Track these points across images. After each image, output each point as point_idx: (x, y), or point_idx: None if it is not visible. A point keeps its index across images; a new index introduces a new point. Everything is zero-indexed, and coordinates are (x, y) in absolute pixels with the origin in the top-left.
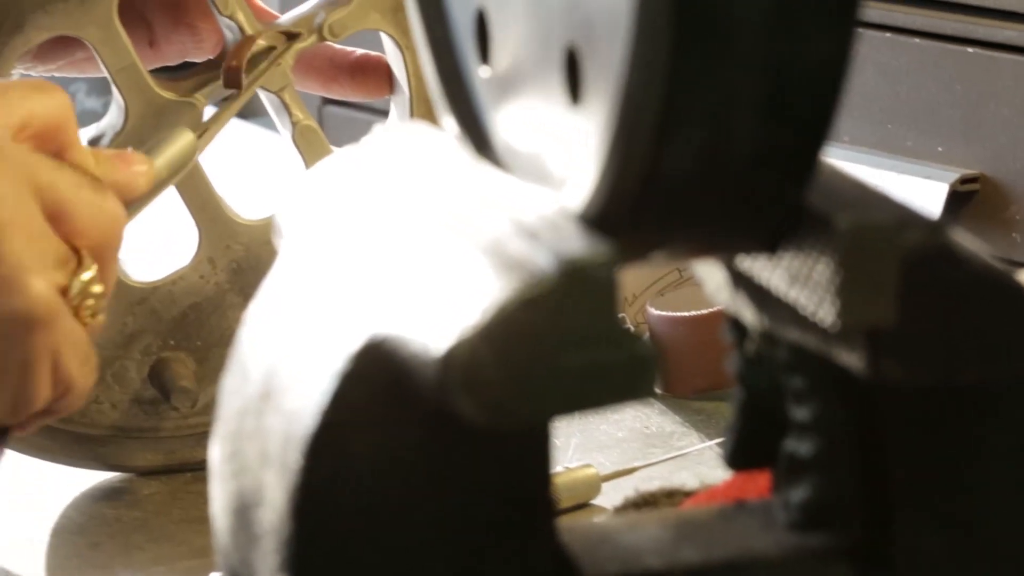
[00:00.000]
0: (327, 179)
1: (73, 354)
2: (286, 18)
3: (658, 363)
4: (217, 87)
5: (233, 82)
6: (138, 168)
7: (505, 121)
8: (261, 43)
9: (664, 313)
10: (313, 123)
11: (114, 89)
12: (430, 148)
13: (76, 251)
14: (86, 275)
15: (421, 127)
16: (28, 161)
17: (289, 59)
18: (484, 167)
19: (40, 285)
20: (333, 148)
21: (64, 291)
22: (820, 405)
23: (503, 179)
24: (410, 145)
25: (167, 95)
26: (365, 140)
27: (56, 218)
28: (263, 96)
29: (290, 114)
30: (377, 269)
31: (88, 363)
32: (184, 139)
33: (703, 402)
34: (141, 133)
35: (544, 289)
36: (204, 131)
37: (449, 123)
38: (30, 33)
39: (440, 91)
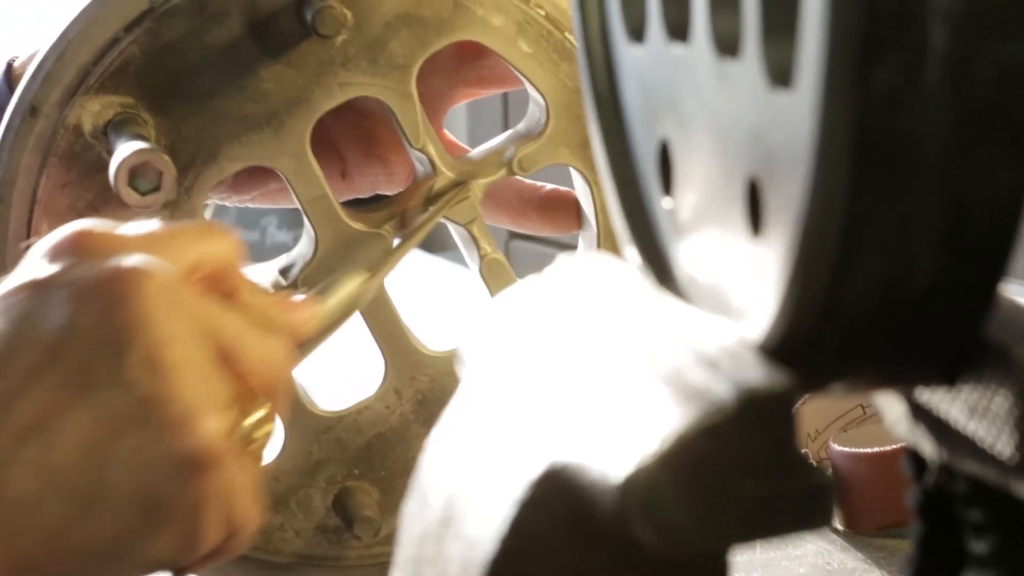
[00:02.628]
0: (510, 308)
1: (242, 495)
2: (476, 152)
3: (835, 494)
4: (407, 219)
5: (403, 224)
6: (307, 311)
7: (687, 252)
8: (438, 183)
9: (847, 449)
10: (500, 256)
11: (305, 219)
12: (612, 278)
13: (245, 392)
14: (255, 416)
15: (603, 257)
16: (198, 304)
17: (478, 192)
18: (666, 297)
19: (210, 427)
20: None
21: (233, 432)
22: (998, 538)
23: (684, 310)
24: (593, 275)
25: (357, 226)
26: (548, 270)
27: (225, 360)
28: (452, 229)
29: (478, 247)
30: (558, 397)
31: (257, 504)
32: (354, 282)
33: (885, 539)
34: (331, 263)
35: (723, 418)
36: (374, 273)
37: (631, 254)
38: (224, 163)
39: (623, 222)
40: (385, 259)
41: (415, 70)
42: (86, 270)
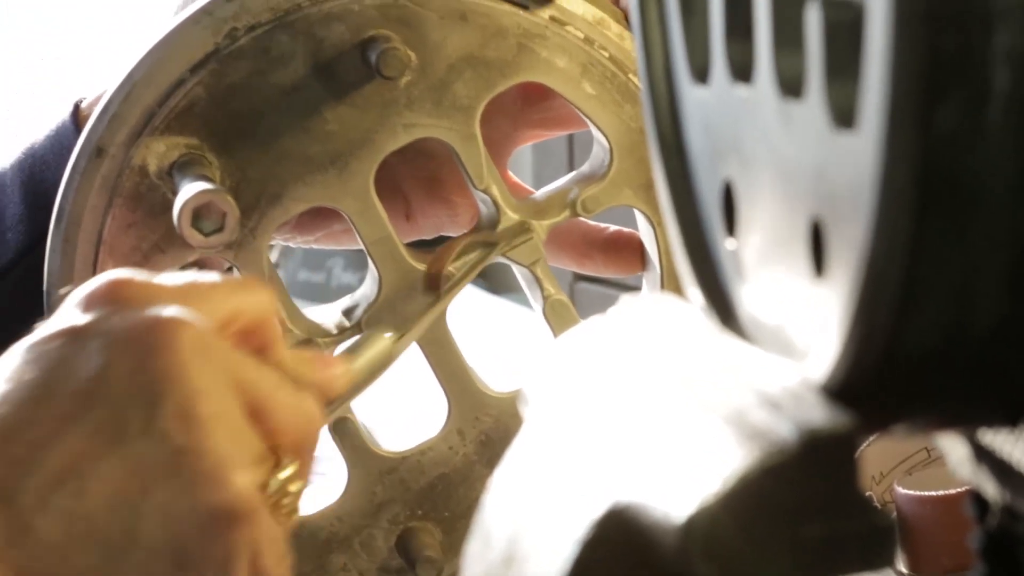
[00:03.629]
0: (574, 348)
1: (271, 551)
2: (540, 193)
3: (897, 534)
4: (472, 259)
5: (432, 286)
6: (336, 370)
7: (750, 293)
8: (472, 240)
9: (912, 492)
10: (564, 298)
11: (369, 260)
12: (676, 319)
13: (274, 449)
14: (284, 473)
15: (667, 299)
16: (231, 358)
17: (542, 234)
18: (728, 338)
19: (242, 481)
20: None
21: (263, 488)
22: None
23: (747, 350)
24: (656, 316)
25: (421, 267)
26: (612, 310)
27: (256, 415)
28: (516, 270)
29: (542, 288)
30: (620, 437)
31: (284, 560)
32: (382, 343)
33: None
34: (394, 304)
35: (785, 458)
36: (403, 334)
37: (695, 295)
38: (288, 204)
39: (686, 263)
40: (419, 317)
41: (479, 111)
42: (121, 319)
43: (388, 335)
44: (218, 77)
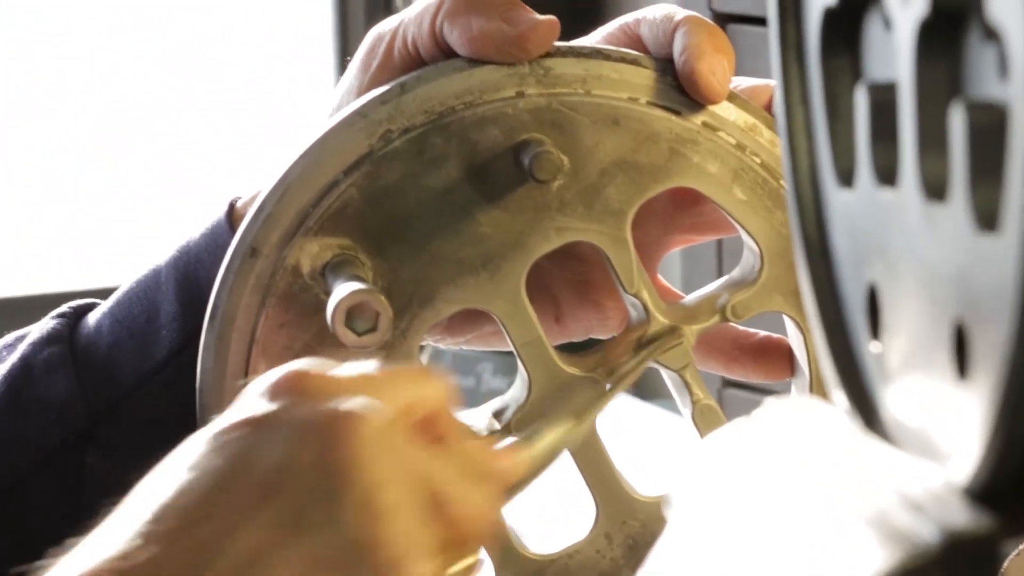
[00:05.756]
0: (718, 452)
1: None
2: (690, 298)
3: None
4: (643, 355)
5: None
6: (516, 456)
7: (894, 396)
8: (653, 329)
9: None
10: (713, 403)
11: (519, 363)
12: (820, 421)
13: (453, 539)
14: (462, 564)
15: (811, 401)
16: (410, 450)
17: (691, 338)
18: (873, 441)
19: (419, 572)
20: None
21: None
22: None
23: (890, 453)
24: (800, 418)
25: (571, 370)
26: (756, 413)
27: (436, 505)
28: (664, 375)
29: (691, 393)
30: (763, 538)
31: None
32: (561, 428)
33: None
34: (544, 407)
35: (926, 560)
36: (582, 420)
37: (839, 398)
38: (440, 306)
39: (830, 366)
40: (593, 405)
41: (631, 216)
42: (304, 411)
43: (564, 422)
44: (372, 179)
